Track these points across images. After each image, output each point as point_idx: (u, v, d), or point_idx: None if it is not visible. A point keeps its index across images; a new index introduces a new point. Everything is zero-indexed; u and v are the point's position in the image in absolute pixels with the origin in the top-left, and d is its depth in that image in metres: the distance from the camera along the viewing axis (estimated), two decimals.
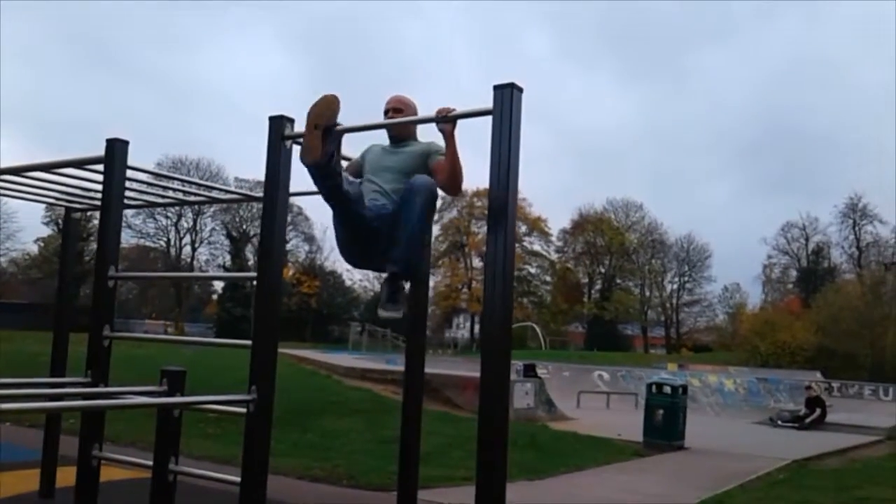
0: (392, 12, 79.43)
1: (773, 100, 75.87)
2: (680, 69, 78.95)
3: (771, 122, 77.15)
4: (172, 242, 58.93)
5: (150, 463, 4.08)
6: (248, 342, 3.96)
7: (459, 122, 3.67)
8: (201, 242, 59.65)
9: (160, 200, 6.25)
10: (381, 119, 4.14)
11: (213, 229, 59.58)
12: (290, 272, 52.75)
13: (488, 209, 3.39)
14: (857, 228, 58.32)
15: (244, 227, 58.91)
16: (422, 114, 4.11)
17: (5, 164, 5.00)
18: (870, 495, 8.46)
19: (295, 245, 57.76)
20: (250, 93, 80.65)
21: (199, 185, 6.35)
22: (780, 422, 19.30)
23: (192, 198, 6.26)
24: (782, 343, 42.03)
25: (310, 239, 57.94)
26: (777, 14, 73.56)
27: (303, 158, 3.57)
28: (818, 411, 19.26)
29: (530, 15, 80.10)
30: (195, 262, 58.12)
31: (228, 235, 59.38)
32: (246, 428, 3.89)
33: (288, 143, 4.02)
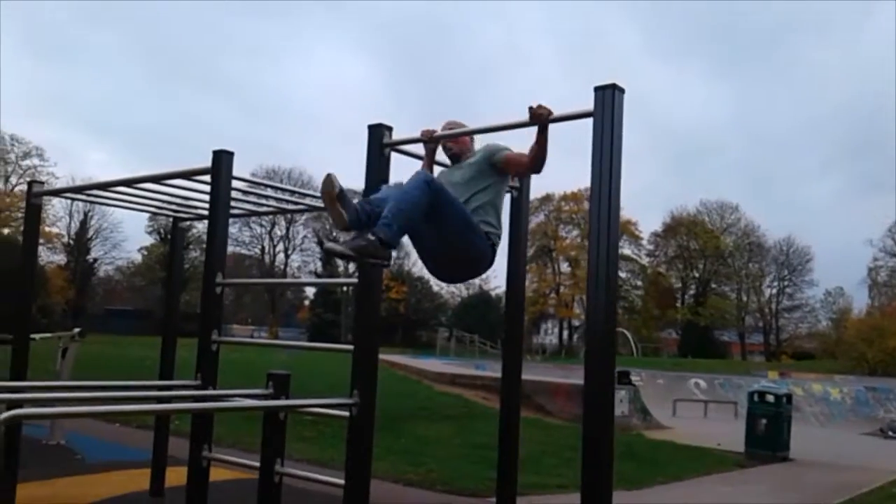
0: (473, 12, 79.09)
1: (878, 91, 71.64)
2: (778, 61, 75.16)
3: (876, 115, 72.95)
4: (266, 250, 60.87)
5: (257, 464, 4.19)
6: (349, 347, 4.02)
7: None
8: (294, 250, 61.42)
9: (261, 209, 6.44)
10: (466, 124, 4.12)
11: (304, 237, 61.25)
12: None
13: (590, 215, 3.33)
14: None
15: (334, 234, 60.25)
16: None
17: (98, 175, 5.25)
18: None
19: None
20: (332, 99, 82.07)
21: (298, 194, 6.51)
22: (891, 433, 18.29)
23: (291, 206, 6.42)
24: (892, 350, 39.83)
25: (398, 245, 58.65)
26: None
27: (337, 227, 3.60)
28: None
29: (618, 8, 78.11)
30: (288, 269, 59.81)
31: (319, 243, 60.85)
32: (349, 431, 3.94)
33: (387, 150, 4.07)
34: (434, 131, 4.04)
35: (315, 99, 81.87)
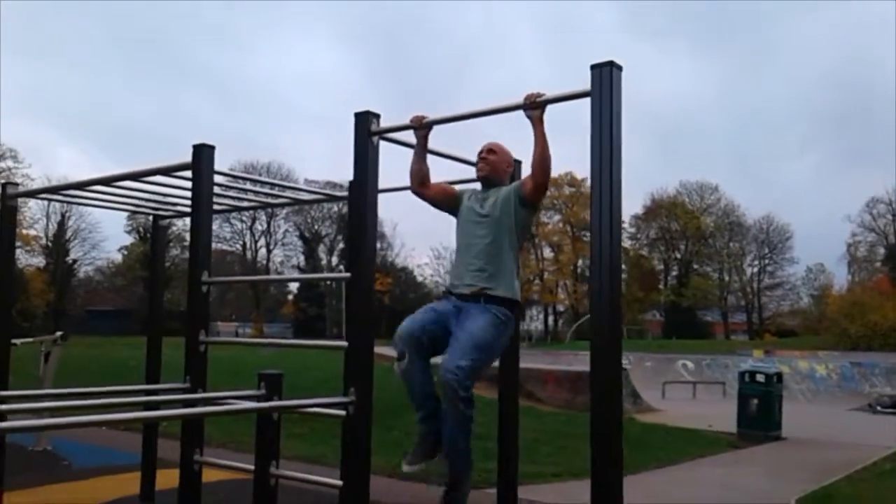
0: None
1: (859, 66, 72.00)
2: (761, 36, 75.01)
3: (855, 91, 73.41)
4: (248, 245, 60.45)
5: (251, 466, 4.05)
6: (343, 343, 3.88)
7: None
8: (276, 244, 61.05)
9: (242, 204, 6.28)
10: (443, 117, 3.95)
11: (286, 231, 60.91)
12: None
13: (591, 199, 3.20)
14: None
15: (315, 227, 59.97)
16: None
17: (72, 174, 5.07)
18: None
19: None
20: (308, 90, 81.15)
21: (281, 187, 6.36)
22: (879, 407, 18.41)
23: (275, 200, 6.26)
24: (873, 325, 40.18)
25: (380, 236, 58.48)
26: None
27: None
28: None
29: None
30: (270, 264, 59.44)
31: (301, 236, 60.52)
32: (345, 431, 3.82)
33: (375, 138, 3.93)
34: (424, 117, 3.90)
35: (291, 90, 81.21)
